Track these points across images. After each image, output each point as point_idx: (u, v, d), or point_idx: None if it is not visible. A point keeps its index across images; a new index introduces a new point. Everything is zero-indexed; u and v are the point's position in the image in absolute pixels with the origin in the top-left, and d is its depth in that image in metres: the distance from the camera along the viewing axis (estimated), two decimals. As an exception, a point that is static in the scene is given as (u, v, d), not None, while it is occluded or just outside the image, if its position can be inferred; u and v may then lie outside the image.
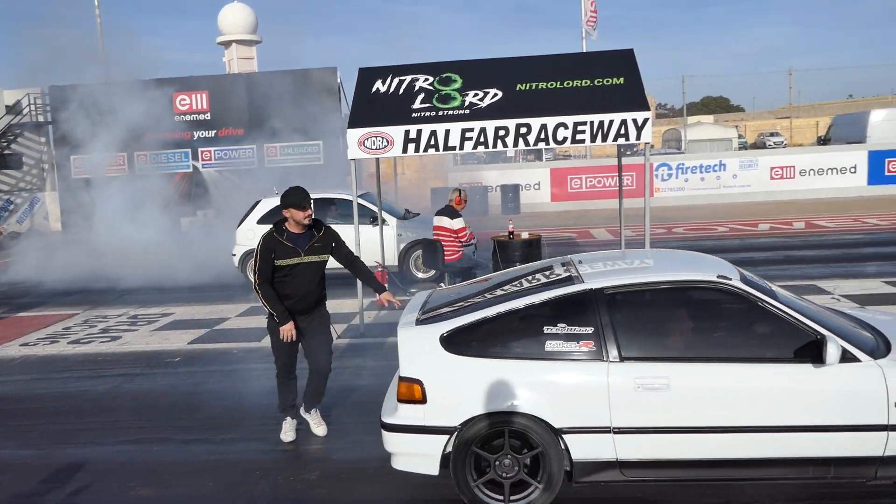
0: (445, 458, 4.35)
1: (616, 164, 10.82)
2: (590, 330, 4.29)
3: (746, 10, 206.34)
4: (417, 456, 4.42)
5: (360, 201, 12.24)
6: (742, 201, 22.42)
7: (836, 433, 4.09)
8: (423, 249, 9.80)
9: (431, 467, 4.39)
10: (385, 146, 8.46)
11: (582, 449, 4.22)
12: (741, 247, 14.45)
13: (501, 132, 8.36)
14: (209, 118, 23.32)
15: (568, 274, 4.81)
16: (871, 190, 22.49)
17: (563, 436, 4.20)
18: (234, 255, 12.42)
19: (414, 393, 4.34)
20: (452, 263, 9.50)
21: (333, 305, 6.22)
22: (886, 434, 4.03)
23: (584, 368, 4.22)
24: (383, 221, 11.81)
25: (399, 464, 4.51)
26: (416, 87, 8.85)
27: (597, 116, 8.27)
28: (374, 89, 8.95)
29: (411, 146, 8.39)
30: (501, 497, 4.30)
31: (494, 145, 8.48)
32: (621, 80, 8.66)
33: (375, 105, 8.77)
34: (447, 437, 4.30)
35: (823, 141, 33.12)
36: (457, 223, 9.38)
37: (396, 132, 8.38)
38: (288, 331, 5.35)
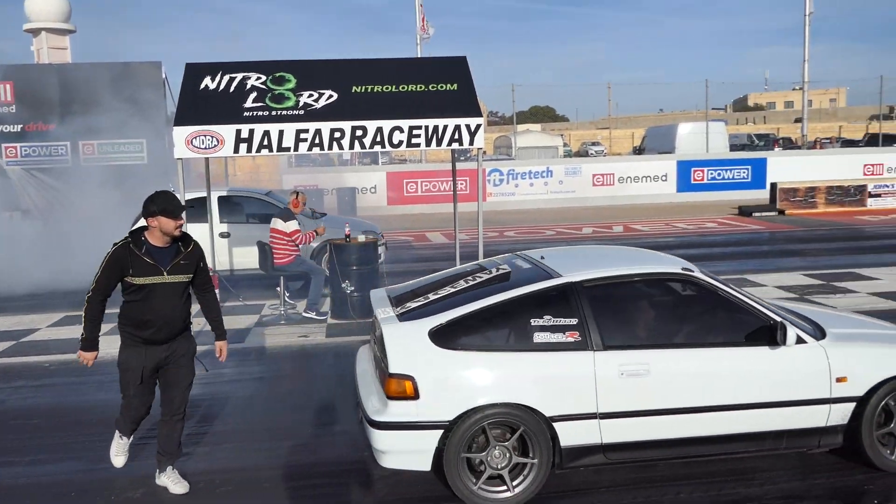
0: (438, 454, 4.30)
1: (450, 169, 11.08)
2: (574, 321, 4.47)
3: (571, 26, 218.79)
4: (410, 453, 4.36)
5: (270, 200, 12.01)
6: (567, 206, 23.69)
7: (789, 408, 4.56)
8: (258, 252, 9.50)
9: (424, 463, 4.35)
10: (215, 146, 8.13)
11: (570, 435, 4.37)
12: (567, 249, 15.25)
13: (337, 134, 8.30)
14: (13, 111, 21.28)
15: (539, 269, 4.93)
16: (680, 197, 24.56)
17: (554, 424, 4.33)
18: None
19: (406, 389, 4.28)
20: (284, 267, 9.29)
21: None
22: (829, 406, 4.58)
23: (571, 358, 4.40)
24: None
25: (389, 462, 4.40)
26: (248, 86, 8.59)
27: (432, 121, 8.42)
28: (202, 86, 8.58)
29: (243, 146, 8.13)
30: (500, 489, 4.36)
31: (330, 147, 8.40)
32: (455, 86, 8.88)
33: (204, 103, 8.41)
34: (441, 431, 4.28)
35: (638, 151, 35.76)
36: (290, 225, 9.18)
37: (227, 131, 8.08)
38: (86, 358, 4.45)
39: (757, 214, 20.73)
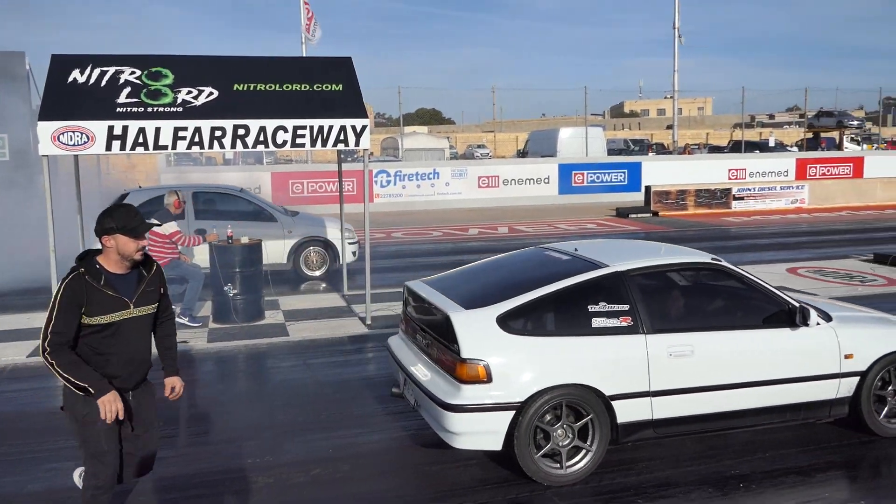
0: (509, 434, 4.53)
1: (337, 170, 10.96)
2: (626, 307, 4.85)
3: (459, 30, 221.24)
4: (484, 434, 4.58)
5: (247, 197, 12.25)
6: (454, 207, 23.96)
7: (809, 382, 5.12)
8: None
9: (496, 443, 4.58)
10: (85, 142, 7.68)
11: (626, 412, 4.74)
12: (454, 250, 15.42)
13: (218, 133, 8.03)
14: None
15: (583, 260, 5.29)
16: (562, 199, 25.36)
17: (612, 402, 4.69)
18: None
19: (479, 373, 4.53)
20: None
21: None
22: (839, 381, 5.19)
23: (626, 341, 4.78)
24: (264, 215, 11.57)
25: (463, 443, 4.60)
26: (122, 80, 8.16)
27: (317, 121, 8.29)
28: (70, 79, 8.08)
29: (116, 143, 7.72)
30: (556, 465, 4.66)
31: (210, 146, 8.11)
32: (340, 86, 8.78)
33: (73, 97, 7.92)
34: (513, 412, 4.53)
35: (522, 154, 36.60)
36: (169, 227, 8.80)
37: (98, 127, 7.65)
38: (112, 403, 3.52)
39: (633, 216, 21.70)
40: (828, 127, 43.84)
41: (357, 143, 8.47)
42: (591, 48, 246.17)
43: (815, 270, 12.24)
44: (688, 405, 4.92)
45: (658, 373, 4.79)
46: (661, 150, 43.81)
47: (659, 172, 25.90)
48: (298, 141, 8.27)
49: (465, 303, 4.93)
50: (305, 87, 8.71)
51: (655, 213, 22.01)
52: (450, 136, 57.55)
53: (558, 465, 4.66)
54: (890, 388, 5.36)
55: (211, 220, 11.08)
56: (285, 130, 8.21)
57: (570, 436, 4.70)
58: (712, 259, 5.41)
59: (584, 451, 4.71)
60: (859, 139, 46.13)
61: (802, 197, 23.81)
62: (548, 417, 4.65)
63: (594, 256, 5.30)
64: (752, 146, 39.59)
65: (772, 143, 45.15)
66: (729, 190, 23.37)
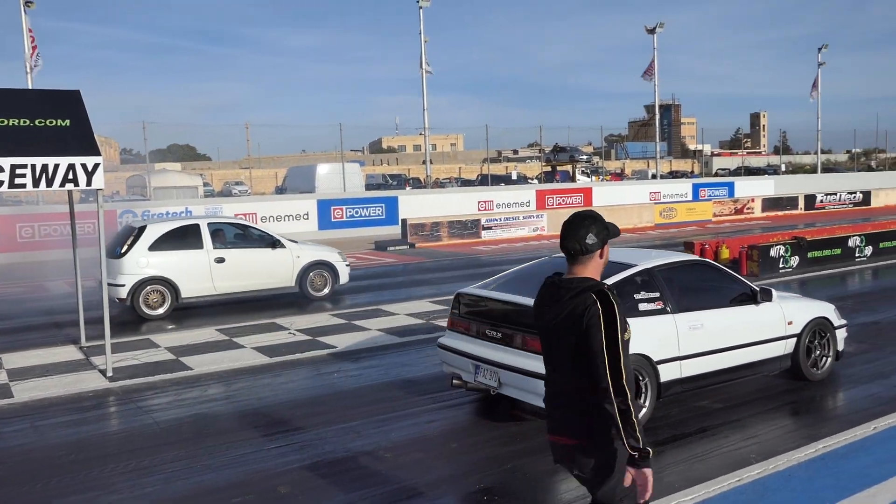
0: None
1: (78, 212, 10.16)
2: (657, 294, 6.43)
3: (210, 63, 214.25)
4: None
5: (256, 227, 13.75)
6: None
7: (770, 343, 7.02)
8: None
9: None
10: None
11: (666, 373, 6.26)
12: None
13: (-85, 173, 7.05)
14: None
15: (613, 262, 6.11)
16: (322, 234, 25.36)
17: (658, 366, 6.19)
18: (122, 285, 11.54)
19: None
20: None
21: None
22: (785, 341, 7.16)
23: (662, 320, 6.35)
24: (277, 243, 12.88)
25: None
26: None
27: (40, 160, 7.60)
28: None
29: None
30: None
31: None
32: (67, 122, 8.14)
33: None
34: None
35: (281, 190, 36.19)
36: None
37: None
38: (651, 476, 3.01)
39: (391, 248, 22.33)
40: (562, 161, 48.50)
41: (89, 183, 7.88)
42: (346, 85, 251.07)
43: (552, 292, 13.42)
44: (702, 365, 6.52)
45: (684, 342, 6.38)
46: (418, 184, 45.62)
47: (415, 206, 26.94)
48: (18, 181, 7.52)
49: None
50: (26, 122, 7.97)
51: (412, 245, 22.83)
52: (205, 172, 55.38)
53: None
54: (815, 343, 7.42)
55: (229, 248, 12.50)
56: (1, 170, 7.42)
57: None
58: (699, 258, 7.79)
59: (642, 409, 6.02)
60: (589, 172, 51.50)
61: (542, 225, 26.02)
62: None
63: (619, 259, 6.55)
64: (498, 179, 42.65)
65: (514, 177, 48.98)
66: (478, 220, 24.92)
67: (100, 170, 7.95)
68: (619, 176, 58.86)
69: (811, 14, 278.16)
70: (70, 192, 9.50)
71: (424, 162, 32.77)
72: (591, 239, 3.12)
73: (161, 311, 11.78)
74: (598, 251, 3.16)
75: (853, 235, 16.68)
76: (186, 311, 12.08)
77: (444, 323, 10.73)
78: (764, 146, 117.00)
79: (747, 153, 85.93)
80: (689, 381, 6.51)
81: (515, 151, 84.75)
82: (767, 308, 7.03)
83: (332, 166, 30.77)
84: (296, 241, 13.51)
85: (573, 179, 44.39)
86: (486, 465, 5.63)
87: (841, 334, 7.71)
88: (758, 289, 7.10)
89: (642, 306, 6.30)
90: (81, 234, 10.45)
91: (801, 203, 33.78)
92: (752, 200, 32.79)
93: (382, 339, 9.88)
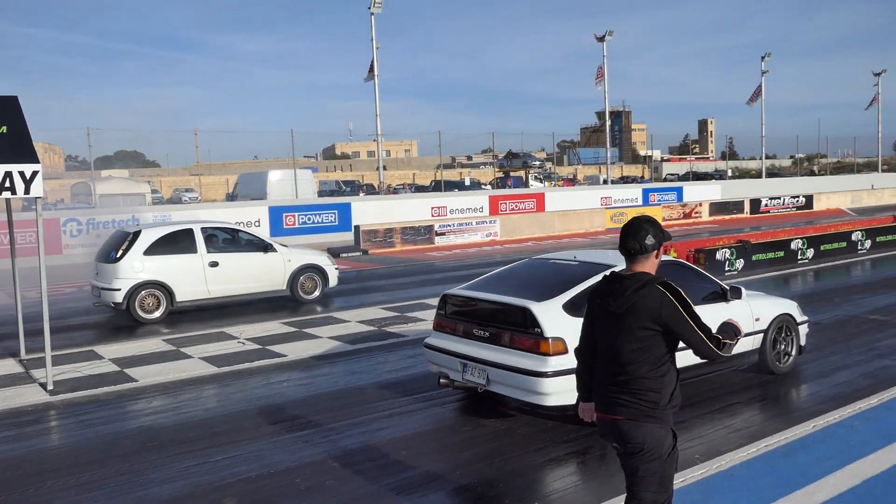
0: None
1: (21, 219, 9.86)
2: None
3: (155, 68, 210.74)
4: (565, 392, 5.86)
5: (248, 231, 14.05)
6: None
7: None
8: None
9: (573, 398, 5.27)
10: None
11: None
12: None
13: None
14: None
15: (591, 263, 6.94)
16: (274, 241, 25.05)
17: None
18: (118, 289, 11.70)
19: (560, 347, 5.99)
20: None
21: None
22: (753, 337, 7.49)
23: None
24: (269, 248, 13.25)
25: (552, 401, 6.04)
26: None
27: (-26, 167, 7.35)
28: None
29: None
30: None
31: None
32: (3, 128, 7.90)
33: None
34: None
35: (231, 197, 35.69)
36: None
37: None
38: None
39: (344, 255, 22.16)
40: (515, 167, 48.90)
41: (27, 192, 7.67)
42: (299, 91, 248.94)
43: (505, 297, 13.47)
44: (682, 360, 6.59)
45: None
46: (371, 190, 45.48)
47: (368, 212, 26.83)
48: (-50, 190, 7.26)
49: (533, 298, 6.33)
50: (-41, 128, 7.70)
51: (365, 252, 22.72)
52: (154, 179, 54.32)
53: None
54: (780, 338, 7.88)
55: (223, 252, 12.77)
56: (-67, 178, 7.17)
57: None
58: (674, 258, 8.41)
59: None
60: (542, 177, 51.99)
61: (495, 230, 26.17)
62: None
63: (597, 260, 7.09)
64: (451, 185, 42.77)
65: (467, 183, 49.15)
66: (431, 226, 24.93)
67: (38, 178, 7.74)
68: (572, 181, 59.52)
69: (755, 23, 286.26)
70: (8, 200, 9.21)
71: (378, 168, 32.68)
72: (650, 240, 3.62)
73: (156, 314, 11.96)
74: (655, 251, 3.65)
75: (795, 238, 17.15)
76: (134, 322, 11.80)
77: (396, 330, 10.75)
78: (712, 152, 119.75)
79: (696, 159, 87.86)
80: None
81: (470, 157, 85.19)
82: (737, 305, 7.33)
83: (284, 173, 30.46)
84: (286, 246, 13.83)
85: (526, 185, 44.77)
86: (440, 471, 5.62)
87: (803, 330, 8.20)
88: (728, 287, 7.46)
89: None
90: (24, 244, 10.14)
91: (747, 207, 34.61)
92: (700, 205, 33.48)
93: (333, 348, 9.80)
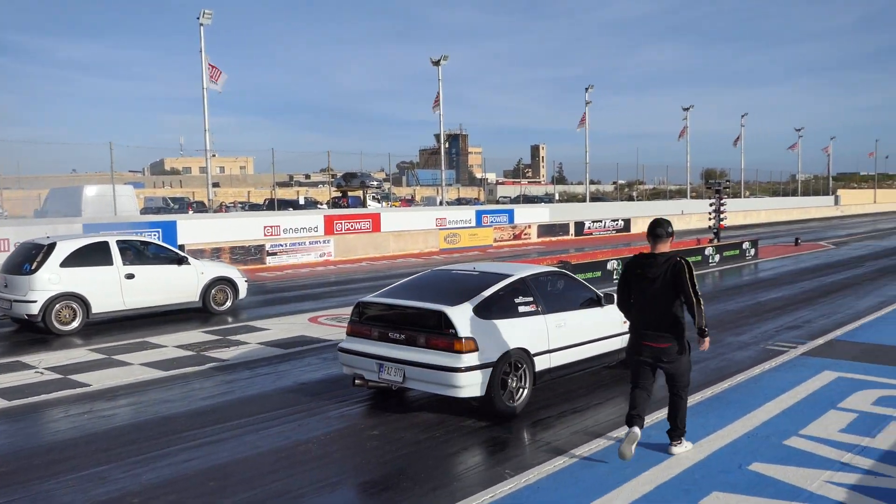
0: (491, 383, 6.93)
1: None
2: (531, 299, 7.63)
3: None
4: (475, 385, 6.86)
5: (161, 244, 14.31)
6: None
7: (611, 338, 8.36)
8: None
9: (481, 390, 6.89)
10: None
11: (540, 364, 7.48)
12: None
13: None
14: None
15: (493, 273, 7.95)
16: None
17: (534, 357, 7.38)
18: (34, 301, 11.72)
19: (472, 346, 6.85)
20: None
21: None
22: (620, 337, 8.19)
23: (535, 319, 7.54)
24: (183, 260, 13.55)
25: (465, 392, 6.86)
26: None
27: None
28: None
29: None
30: (510, 401, 7.20)
31: None
32: None
33: None
34: (490, 368, 6.92)
35: (41, 214, 32.83)
36: None
37: None
38: None
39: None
40: (353, 187, 48.72)
41: None
42: (125, 102, 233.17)
43: (334, 318, 13.31)
44: (566, 356, 7.79)
45: (552, 337, 7.60)
46: (202, 208, 43.58)
47: (196, 231, 25.60)
48: None
49: (446, 303, 7.08)
50: None
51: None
52: (-49, 193, 48.93)
53: (511, 401, 7.17)
54: None
55: (138, 265, 12.97)
56: None
57: (516, 381, 7.22)
58: (559, 268, 9.59)
59: (522, 390, 7.29)
60: (380, 197, 52.17)
61: (329, 250, 25.89)
62: (507, 370, 7.12)
63: (497, 271, 8.08)
64: (286, 204, 41.90)
65: (302, 202, 48.38)
66: (263, 246, 24.25)
67: None
68: (409, 202, 60.23)
69: (581, 58, 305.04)
70: None
71: (216, 185, 31.42)
72: (670, 229, 6.02)
73: (73, 326, 12.06)
74: (671, 238, 6.03)
75: (611, 259, 18.30)
76: None
77: (217, 354, 10.28)
78: (543, 176, 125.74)
79: (528, 182, 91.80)
80: (556, 370, 7.76)
81: (308, 176, 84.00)
82: (609, 310, 8.19)
83: (102, 188, 28.40)
84: (198, 259, 14.24)
85: (364, 205, 44.74)
86: (252, 500, 5.36)
87: None
88: (602, 294, 8.40)
89: (521, 308, 7.51)
90: None
91: (573, 229, 36.60)
92: (530, 227, 34.98)
93: (145, 374, 9.20)
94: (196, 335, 11.76)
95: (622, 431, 6.63)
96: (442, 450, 6.43)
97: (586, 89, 46.40)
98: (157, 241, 14.43)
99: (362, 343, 7.56)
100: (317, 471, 5.94)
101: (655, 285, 5.81)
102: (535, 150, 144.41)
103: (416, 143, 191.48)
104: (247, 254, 23.45)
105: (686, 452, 6.02)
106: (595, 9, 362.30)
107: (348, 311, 14.29)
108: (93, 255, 12.46)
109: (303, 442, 6.64)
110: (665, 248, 5.94)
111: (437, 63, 37.47)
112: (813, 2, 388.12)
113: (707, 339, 5.94)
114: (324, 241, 26.27)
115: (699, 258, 21.47)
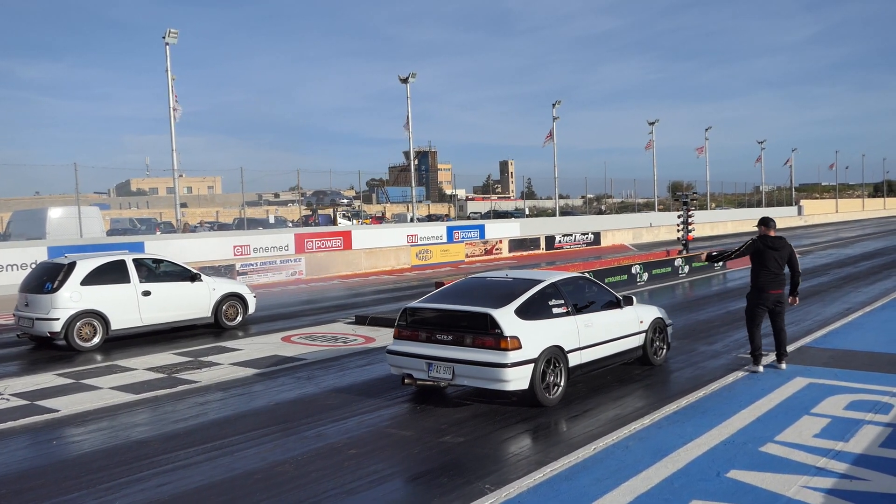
0: (533, 377, 7.74)
1: None
2: (562, 301, 8.43)
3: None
4: (521, 379, 7.63)
5: (174, 261, 14.36)
6: None
7: (631, 336, 9.28)
8: None
9: (527, 383, 7.70)
10: None
11: (573, 360, 8.27)
12: None
13: None
14: None
15: (526, 279, 8.69)
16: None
17: (567, 354, 8.19)
18: (57, 319, 12.02)
19: (517, 344, 7.62)
20: None
21: None
22: (639, 335, 9.41)
23: (567, 320, 8.35)
24: (196, 277, 13.94)
25: (513, 386, 7.62)
26: None
27: None
28: None
29: None
30: (548, 394, 8.00)
31: None
32: None
33: None
34: (532, 364, 7.71)
35: (4, 237, 32.19)
36: None
37: None
38: None
39: (136, 298, 20.67)
40: (324, 205, 48.55)
41: None
42: (89, 123, 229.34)
43: (307, 336, 13.19)
44: (594, 353, 8.57)
45: (583, 336, 8.39)
46: (170, 228, 43.02)
47: (164, 251, 25.12)
48: None
49: (490, 306, 7.84)
50: None
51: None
52: None
53: (548, 393, 7.90)
54: (657, 336, 9.76)
55: (154, 282, 13.32)
56: None
57: (554, 376, 7.96)
58: (581, 273, 11.05)
59: (558, 386, 8.02)
60: (350, 215, 52.01)
61: (301, 269, 25.71)
62: (546, 366, 7.85)
63: (529, 276, 8.85)
64: (255, 223, 41.54)
65: (272, 220, 48.06)
66: (233, 266, 24.00)
67: None
68: (380, 219, 60.11)
69: (547, 74, 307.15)
70: None
71: (183, 205, 31.05)
72: (775, 222, 9.41)
73: (94, 342, 12.39)
74: (773, 228, 9.25)
75: (584, 272, 18.39)
76: None
77: (188, 376, 10.11)
78: (512, 191, 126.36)
79: (498, 198, 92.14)
80: (587, 366, 8.51)
81: (277, 195, 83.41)
82: (629, 311, 9.25)
83: (67, 210, 27.92)
84: (210, 276, 14.69)
85: (335, 223, 44.54)
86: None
87: (670, 330, 10.22)
88: (621, 297, 9.29)
89: (554, 310, 8.28)
90: None
91: (543, 243, 36.78)
92: (501, 242, 35.09)
93: (115, 399, 9.01)
94: (167, 357, 11.56)
95: (602, 442, 6.66)
96: (423, 466, 6.37)
97: (553, 105, 46.90)
98: (170, 259, 14.58)
99: (411, 345, 8.20)
100: (294, 492, 5.85)
101: (775, 254, 9.01)
102: (504, 166, 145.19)
103: (386, 160, 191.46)
104: (217, 274, 23.10)
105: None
106: (559, 25, 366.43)
107: (322, 329, 14.39)
108: (111, 273, 12.81)
109: (279, 463, 6.54)
110: (773, 232, 9.22)
111: (405, 80, 37.62)
112: (771, 17, 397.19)
113: (796, 298, 9.52)
114: (295, 260, 26.09)
115: (668, 269, 21.69)
